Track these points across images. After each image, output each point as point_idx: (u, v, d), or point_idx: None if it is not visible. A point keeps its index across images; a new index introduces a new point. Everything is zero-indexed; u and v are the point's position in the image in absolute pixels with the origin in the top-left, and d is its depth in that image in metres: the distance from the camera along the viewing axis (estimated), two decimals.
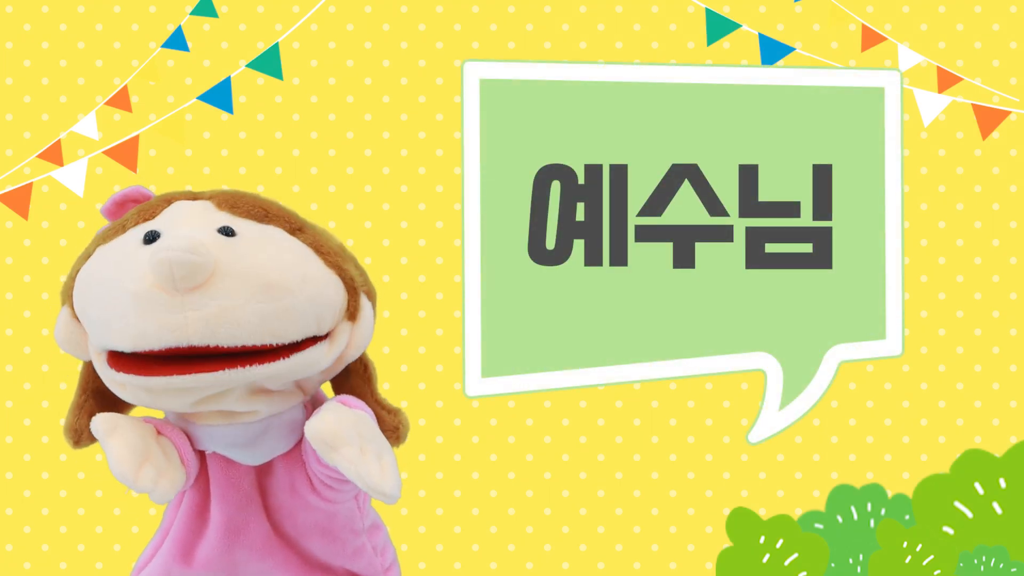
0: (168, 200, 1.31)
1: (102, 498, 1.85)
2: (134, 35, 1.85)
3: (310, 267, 1.26)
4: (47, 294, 1.84)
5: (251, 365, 1.22)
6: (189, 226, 1.25)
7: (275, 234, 1.27)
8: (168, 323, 1.19)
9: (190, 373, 1.21)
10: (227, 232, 1.25)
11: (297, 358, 1.24)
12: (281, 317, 1.22)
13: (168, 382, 1.21)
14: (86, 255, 1.30)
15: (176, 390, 1.23)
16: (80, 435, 1.31)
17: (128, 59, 1.85)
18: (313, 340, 1.26)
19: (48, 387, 1.85)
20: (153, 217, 1.29)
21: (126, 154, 1.84)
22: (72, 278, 1.29)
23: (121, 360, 1.23)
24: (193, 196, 1.31)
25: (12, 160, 1.85)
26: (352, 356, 1.31)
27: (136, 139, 1.84)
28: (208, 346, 1.20)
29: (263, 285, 1.22)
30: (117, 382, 1.25)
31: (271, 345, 1.22)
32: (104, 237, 1.29)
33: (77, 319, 1.29)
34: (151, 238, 1.24)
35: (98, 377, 1.31)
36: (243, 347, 1.21)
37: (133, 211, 1.31)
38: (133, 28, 1.85)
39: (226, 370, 1.21)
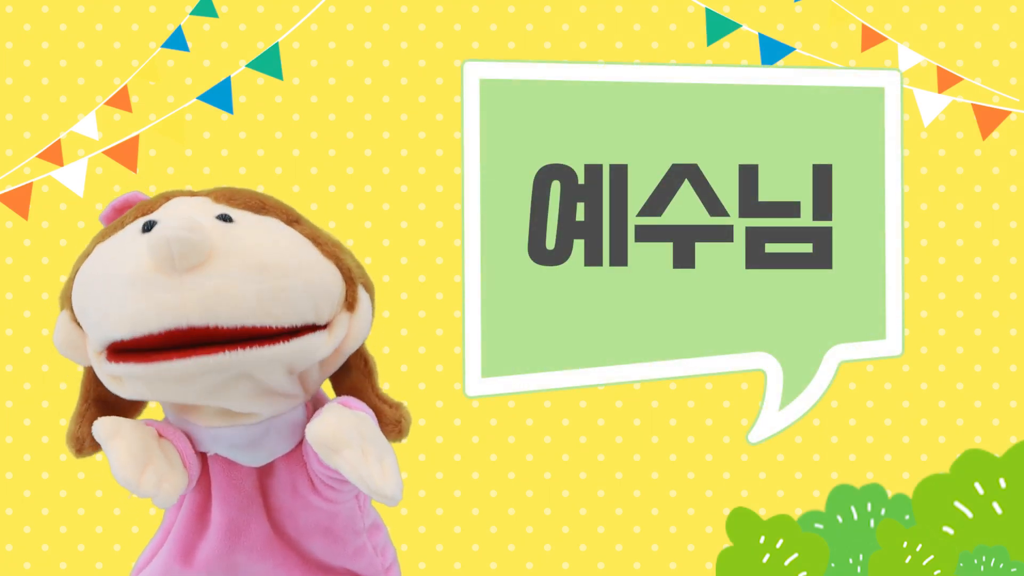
0: (167, 197, 1.32)
1: (102, 498, 1.85)
2: (134, 35, 1.85)
3: (307, 253, 1.27)
4: (47, 294, 1.84)
5: (251, 347, 1.21)
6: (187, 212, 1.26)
7: (272, 223, 1.28)
8: (165, 302, 1.19)
9: (190, 357, 1.20)
10: (225, 218, 1.26)
11: (296, 343, 1.24)
12: (278, 298, 1.22)
13: (168, 367, 1.21)
14: (85, 255, 1.30)
15: (176, 378, 1.22)
16: (83, 443, 1.31)
17: (128, 59, 1.85)
18: (312, 328, 1.26)
19: (48, 387, 1.85)
20: (151, 212, 1.29)
21: (126, 154, 1.84)
22: (71, 279, 1.30)
23: (120, 354, 1.23)
24: (191, 193, 1.33)
25: (12, 160, 1.85)
26: (351, 348, 1.31)
27: (136, 139, 1.84)
28: (207, 326, 1.20)
29: (259, 265, 1.22)
30: (116, 375, 1.25)
31: (270, 327, 1.22)
32: (103, 235, 1.30)
33: (76, 322, 1.28)
34: (149, 226, 1.25)
35: (99, 384, 1.30)
36: (242, 327, 1.21)
37: (132, 210, 1.32)
38: (133, 28, 1.85)
39: (226, 352, 1.21)
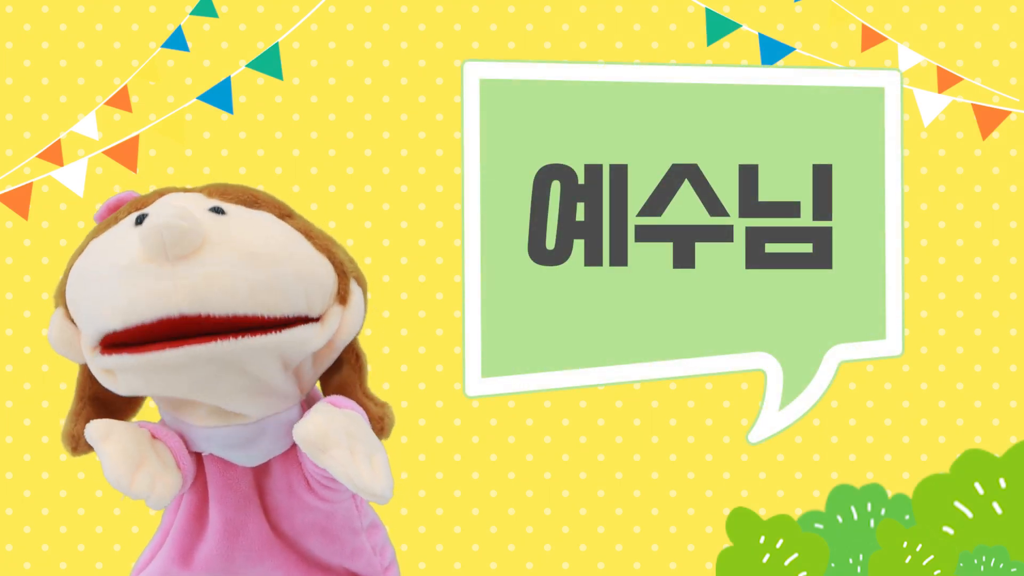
0: (160, 193, 1.32)
1: (102, 498, 1.85)
2: (134, 35, 1.85)
3: (299, 246, 1.27)
4: (47, 294, 1.84)
5: (242, 337, 1.21)
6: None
7: (264, 217, 1.28)
8: (157, 290, 1.19)
9: (181, 347, 1.20)
10: (217, 211, 1.26)
11: (288, 334, 1.24)
12: (270, 287, 1.22)
13: (159, 357, 1.21)
14: (79, 251, 1.30)
15: (169, 368, 1.22)
16: (78, 441, 1.31)
17: (128, 59, 1.85)
18: (304, 320, 1.26)
19: (48, 387, 1.85)
20: (144, 207, 1.29)
21: (126, 154, 1.84)
22: (66, 275, 1.30)
23: (113, 345, 1.23)
24: (185, 190, 1.33)
25: (12, 160, 1.85)
26: (344, 341, 1.31)
27: (136, 139, 1.84)
28: (199, 315, 1.20)
29: (251, 254, 1.22)
30: (109, 369, 1.25)
31: (262, 317, 1.22)
32: (96, 232, 1.30)
33: (70, 319, 1.29)
34: (142, 219, 1.25)
35: (95, 383, 1.31)
36: (234, 316, 1.21)
37: (126, 206, 1.32)
38: (133, 28, 1.85)
39: (217, 341, 1.21)
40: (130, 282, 1.20)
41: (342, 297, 1.30)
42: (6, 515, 1.86)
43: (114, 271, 1.21)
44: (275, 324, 1.23)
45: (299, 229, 1.30)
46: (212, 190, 1.31)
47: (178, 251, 1.19)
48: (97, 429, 1.24)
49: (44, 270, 1.85)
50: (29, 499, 1.86)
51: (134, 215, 1.28)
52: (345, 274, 1.31)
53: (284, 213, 1.31)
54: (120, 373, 1.25)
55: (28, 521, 1.86)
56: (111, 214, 1.34)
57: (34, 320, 1.85)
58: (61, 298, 1.30)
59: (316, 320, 1.27)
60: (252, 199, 1.30)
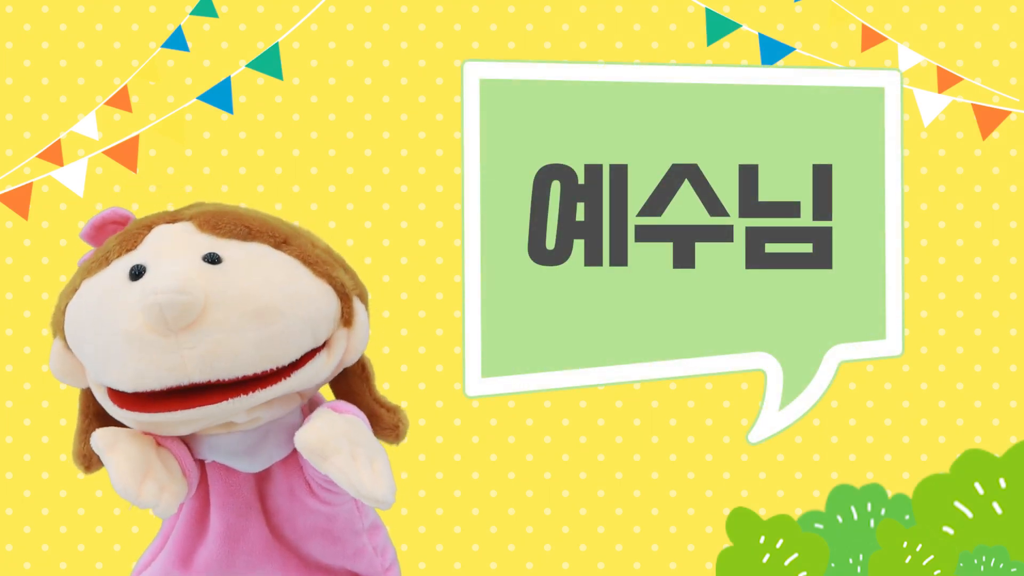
0: (148, 226, 1.29)
1: (102, 498, 1.85)
2: (134, 35, 1.85)
3: (300, 282, 1.26)
4: (47, 294, 1.84)
5: (253, 392, 1.21)
6: (173, 257, 1.24)
7: (261, 252, 1.26)
8: (165, 364, 1.19)
9: (193, 407, 1.21)
10: (212, 260, 1.24)
11: (298, 375, 1.24)
12: (276, 342, 1.22)
13: (171, 417, 1.21)
14: (72, 289, 1.28)
15: (180, 423, 1.23)
16: (89, 460, 1.30)
17: (128, 59, 1.85)
18: (311, 353, 1.26)
19: (48, 387, 1.85)
20: (135, 246, 1.27)
21: (126, 154, 1.84)
22: (61, 311, 1.28)
23: (122, 397, 1.23)
24: (173, 217, 1.30)
25: (12, 160, 1.85)
26: (351, 360, 1.31)
27: (136, 139, 1.84)
28: (209, 381, 1.20)
29: (254, 312, 1.21)
30: (119, 416, 1.25)
31: (271, 369, 1.22)
32: (88, 270, 1.28)
33: (71, 351, 1.28)
34: (137, 273, 1.23)
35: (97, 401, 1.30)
36: (243, 377, 1.21)
37: (114, 239, 1.29)
38: (133, 28, 1.85)
39: (229, 400, 1.21)
40: (136, 354, 1.20)
41: (346, 320, 1.29)
42: (6, 515, 1.86)
43: (117, 337, 1.20)
44: (284, 370, 1.23)
45: (296, 256, 1.28)
46: (203, 221, 1.28)
47: (180, 324, 1.18)
48: (103, 438, 1.23)
49: (44, 270, 1.85)
50: (29, 499, 1.86)
51: (127, 261, 1.25)
52: (347, 296, 1.30)
53: (279, 241, 1.28)
54: (131, 420, 1.25)
55: (28, 521, 1.86)
56: (98, 234, 1.32)
57: (34, 320, 1.85)
58: (59, 330, 1.28)
59: (322, 347, 1.27)
60: (246, 231, 1.28)
